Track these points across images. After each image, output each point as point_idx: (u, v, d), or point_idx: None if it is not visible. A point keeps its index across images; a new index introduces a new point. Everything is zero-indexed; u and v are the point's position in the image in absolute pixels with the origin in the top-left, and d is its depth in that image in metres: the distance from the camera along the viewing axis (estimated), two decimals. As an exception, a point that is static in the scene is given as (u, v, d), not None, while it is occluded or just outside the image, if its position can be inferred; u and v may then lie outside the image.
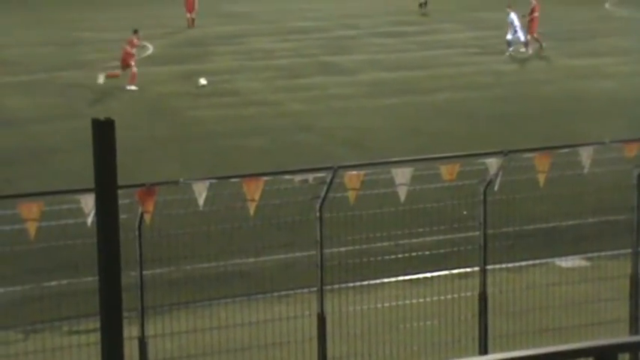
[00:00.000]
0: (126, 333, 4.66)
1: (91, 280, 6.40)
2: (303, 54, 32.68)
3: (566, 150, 11.02)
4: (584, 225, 14.07)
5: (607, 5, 45.15)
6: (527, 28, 32.06)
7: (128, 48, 27.29)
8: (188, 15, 38.79)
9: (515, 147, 12.89)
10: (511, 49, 31.09)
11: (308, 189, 10.33)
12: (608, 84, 26.32)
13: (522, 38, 31.25)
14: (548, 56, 31.65)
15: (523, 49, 31.24)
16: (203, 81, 26.06)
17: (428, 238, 13.06)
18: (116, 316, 3.98)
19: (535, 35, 31.96)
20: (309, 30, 38.13)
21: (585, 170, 10.76)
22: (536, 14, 32.21)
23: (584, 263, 13.21)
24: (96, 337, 5.11)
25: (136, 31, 27.84)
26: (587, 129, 20.30)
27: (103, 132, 4.11)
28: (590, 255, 13.34)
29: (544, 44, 31.65)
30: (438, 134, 20.79)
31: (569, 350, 3.24)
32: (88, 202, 8.90)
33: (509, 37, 31.28)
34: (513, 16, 31.34)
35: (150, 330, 9.88)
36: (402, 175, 10.30)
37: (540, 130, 20.72)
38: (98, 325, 4.41)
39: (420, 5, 44.16)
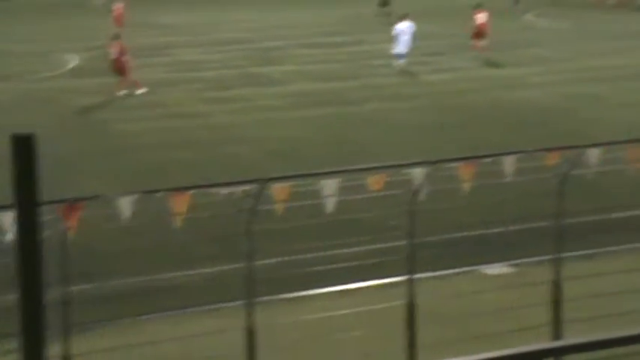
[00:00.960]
0: (49, 352, 4.57)
1: (12, 298, 6.27)
2: (231, 65, 32.62)
3: (489, 159, 11.19)
4: (508, 232, 14.30)
5: (528, 16, 46.03)
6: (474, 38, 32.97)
7: (118, 55, 27.25)
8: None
9: (442, 156, 13.09)
10: (400, 62, 31.06)
11: (236, 201, 10.30)
12: (531, 93, 26.80)
13: (401, 51, 30.97)
14: (472, 66, 32.13)
15: (398, 62, 31.02)
16: None
17: (356, 249, 13.15)
18: (38, 335, 3.92)
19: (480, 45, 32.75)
20: (238, 41, 38.08)
21: (508, 179, 10.95)
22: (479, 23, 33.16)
23: (509, 270, 13.43)
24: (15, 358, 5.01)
25: (117, 37, 28.09)
26: (511, 138, 20.65)
27: (23, 146, 4.03)
28: (515, 262, 13.56)
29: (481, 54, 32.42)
30: (365, 145, 20.93)
31: (495, 357, 3.29)
32: (6, 220, 8.74)
33: (398, 50, 31.11)
34: (405, 28, 31.29)
35: (75, 348, 9.72)
36: (329, 187, 10.36)
37: (466, 139, 21.00)
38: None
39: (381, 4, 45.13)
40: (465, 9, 36.77)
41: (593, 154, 11.36)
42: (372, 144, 21.01)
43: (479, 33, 33.76)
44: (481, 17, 34.08)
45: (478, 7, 34.47)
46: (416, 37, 31.37)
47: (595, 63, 31.59)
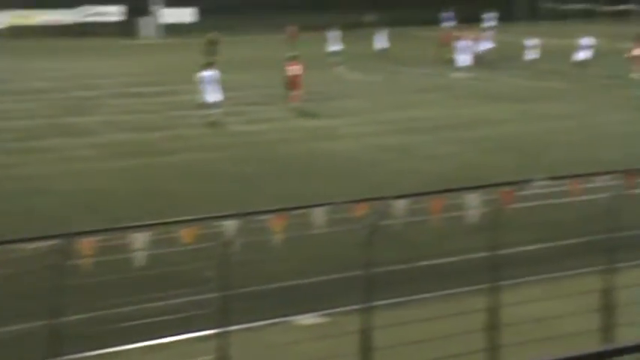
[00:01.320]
0: None
1: None
2: (39, 115, 31.70)
3: (299, 211, 11.31)
4: (321, 282, 14.46)
5: (339, 68, 47.29)
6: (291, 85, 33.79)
7: None
8: None
9: (254, 208, 13.12)
10: (207, 111, 31.10)
11: (42, 257, 9.93)
12: (344, 145, 27.41)
13: (207, 100, 31.08)
14: (287, 117, 32.61)
15: (206, 112, 31.11)
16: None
17: (168, 302, 12.92)
18: None
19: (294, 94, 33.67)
20: (47, 90, 37.10)
21: (319, 230, 11.10)
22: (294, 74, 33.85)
23: (321, 320, 13.55)
24: None
25: None
26: (324, 189, 21.00)
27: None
28: (327, 312, 13.70)
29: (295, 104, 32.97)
30: (178, 196, 20.73)
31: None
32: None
33: (205, 99, 31.13)
34: (208, 76, 31.34)
35: None
36: (139, 240, 10.17)
37: (278, 190, 21.19)
38: None
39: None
40: (282, 60, 37.41)
41: (400, 205, 11.70)
42: (186, 195, 20.84)
43: (292, 84, 34.44)
44: (294, 69, 34.80)
45: (292, 59, 35.19)
46: (229, 86, 31.58)
47: (405, 115, 32.73)
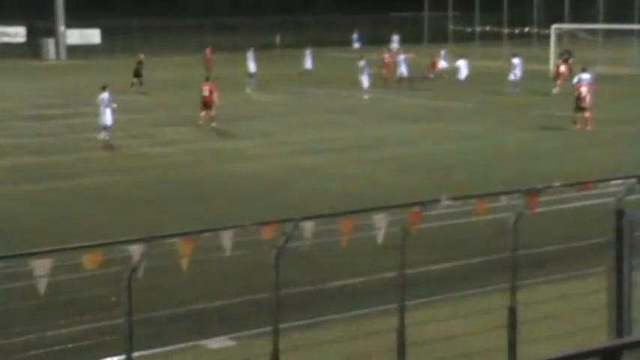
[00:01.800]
0: None
1: None
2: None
3: (207, 234, 11.22)
4: (229, 305, 14.36)
5: (247, 90, 47.29)
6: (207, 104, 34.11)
7: None
8: None
9: (163, 231, 12.97)
10: (104, 134, 30.77)
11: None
12: (254, 166, 27.36)
13: (105, 123, 30.82)
14: (196, 139, 32.43)
15: (103, 134, 30.84)
16: None
17: (73, 329, 12.65)
18: None
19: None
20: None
21: (227, 253, 11.02)
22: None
23: (231, 343, 13.45)
24: None
25: None
26: (233, 211, 20.90)
27: None
28: (236, 335, 13.61)
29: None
30: (84, 220, 20.37)
31: None
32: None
33: (103, 122, 30.83)
34: (104, 99, 31.04)
35: None
36: (41, 267, 9.93)
37: (188, 212, 21.01)
38: None
39: (133, 84, 45.63)
40: (194, 81, 37.30)
41: (309, 226, 11.71)
42: (90, 219, 20.48)
43: (205, 104, 34.46)
44: (207, 89, 34.85)
45: (207, 79, 35.33)
46: (141, 108, 31.27)
47: (315, 136, 32.86)
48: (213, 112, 34.54)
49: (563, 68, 46.25)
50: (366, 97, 44.09)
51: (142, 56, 50.86)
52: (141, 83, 46.67)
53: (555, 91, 44.58)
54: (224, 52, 64.67)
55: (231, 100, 43.01)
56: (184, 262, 10.73)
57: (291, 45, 75.09)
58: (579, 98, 33.32)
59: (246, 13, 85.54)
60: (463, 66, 49.34)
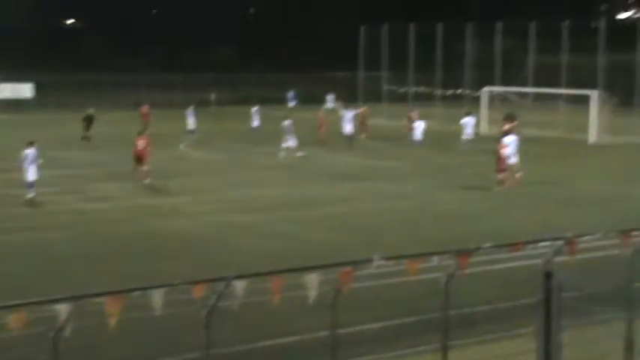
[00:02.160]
0: None
1: None
2: None
3: (137, 292, 11.06)
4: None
5: (182, 146, 47.15)
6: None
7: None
8: None
9: (92, 289, 12.71)
10: (30, 190, 30.05)
11: None
12: (184, 223, 27.16)
13: (31, 179, 30.15)
14: (125, 195, 32.14)
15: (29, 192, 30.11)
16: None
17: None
18: None
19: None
20: None
21: (157, 312, 10.87)
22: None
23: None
24: None
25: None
26: (165, 268, 20.69)
27: None
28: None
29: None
30: (8, 279, 19.92)
31: None
32: None
33: (30, 178, 30.16)
34: (29, 155, 30.55)
35: None
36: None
37: (118, 270, 20.71)
38: None
39: (84, 138, 46.05)
40: (129, 137, 37.07)
41: (240, 285, 11.63)
42: (19, 276, 20.06)
43: (137, 158, 34.35)
44: (140, 144, 34.75)
45: (140, 134, 35.27)
46: (74, 163, 30.91)
47: (248, 193, 32.80)
48: (146, 168, 34.34)
49: (506, 127, 47.35)
50: (303, 154, 44.24)
51: (91, 110, 51.35)
52: (88, 138, 47.44)
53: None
54: (159, 109, 64.48)
55: (167, 157, 42.84)
56: (112, 322, 10.55)
57: (227, 102, 75.27)
58: (500, 159, 33.96)
59: (181, 70, 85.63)
60: (420, 127, 50.08)
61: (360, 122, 53.31)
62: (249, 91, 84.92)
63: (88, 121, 50.22)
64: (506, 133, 46.66)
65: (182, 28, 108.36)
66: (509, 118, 48.97)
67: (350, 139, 48.04)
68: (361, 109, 55.19)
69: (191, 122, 51.27)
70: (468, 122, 49.07)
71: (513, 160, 34.80)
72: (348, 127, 48.40)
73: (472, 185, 34.71)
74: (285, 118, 46.72)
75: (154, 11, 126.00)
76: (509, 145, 34.90)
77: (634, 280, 14.37)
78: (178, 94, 74.46)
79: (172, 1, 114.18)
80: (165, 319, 11.86)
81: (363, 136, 52.45)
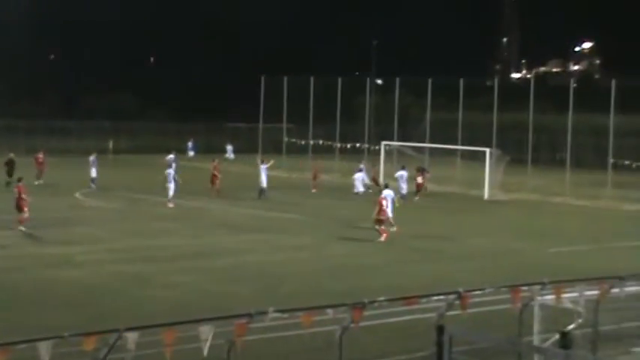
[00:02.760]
0: None
1: None
2: None
3: (24, 345, 10.79)
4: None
5: (77, 195, 46.35)
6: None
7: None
8: None
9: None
10: None
11: None
12: (77, 272, 26.63)
13: None
14: (19, 243, 31.39)
15: None
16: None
17: None
18: None
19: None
20: None
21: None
22: None
23: None
24: None
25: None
26: (56, 318, 20.22)
27: None
28: None
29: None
30: None
31: None
32: None
33: None
34: None
35: None
36: None
37: (5, 320, 20.14)
38: None
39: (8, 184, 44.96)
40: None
41: (132, 337, 11.48)
42: None
43: (19, 206, 34.13)
44: (16, 191, 34.67)
45: (19, 181, 35.60)
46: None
47: (144, 243, 32.40)
48: (25, 215, 34.07)
49: (420, 180, 50.20)
50: (199, 205, 44.00)
51: (12, 155, 51.39)
52: (8, 183, 46.51)
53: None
54: (55, 156, 63.34)
55: (61, 205, 42.08)
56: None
57: (124, 150, 74.49)
58: (380, 211, 34.35)
59: (78, 116, 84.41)
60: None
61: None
62: (148, 139, 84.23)
63: (10, 165, 49.67)
64: (419, 186, 48.76)
65: (80, 74, 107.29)
66: (420, 170, 50.56)
67: (263, 192, 47.71)
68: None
69: (93, 171, 50.33)
70: (358, 177, 50.65)
71: (389, 214, 35.51)
72: (262, 180, 47.94)
73: (367, 238, 35.05)
74: (169, 165, 46.22)
75: (52, 56, 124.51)
76: (387, 197, 35.55)
77: (522, 334, 14.72)
78: (74, 141, 73.34)
79: (72, 47, 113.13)
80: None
81: (314, 190, 51.90)
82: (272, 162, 52.04)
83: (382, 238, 33.71)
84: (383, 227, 34.20)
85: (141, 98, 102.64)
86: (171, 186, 43.31)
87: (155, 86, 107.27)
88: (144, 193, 47.88)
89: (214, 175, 49.57)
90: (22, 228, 33.50)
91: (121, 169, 64.02)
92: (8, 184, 46.83)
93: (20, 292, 23.69)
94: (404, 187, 48.68)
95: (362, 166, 53.56)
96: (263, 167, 48.78)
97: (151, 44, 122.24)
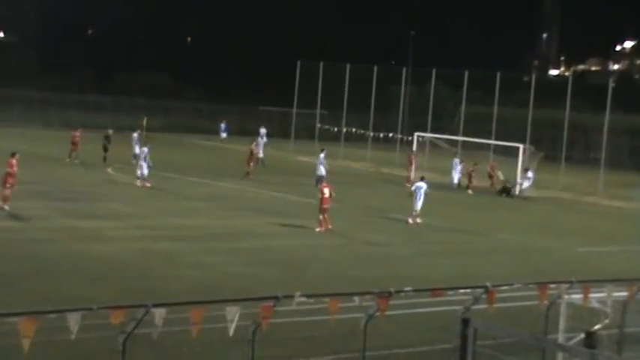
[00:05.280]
0: None
1: None
2: None
3: (54, 315, 10.91)
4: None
5: (110, 170, 46.64)
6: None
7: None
8: None
9: (8, 309, 12.50)
10: None
11: None
12: (106, 247, 26.83)
13: None
14: (49, 215, 31.66)
15: None
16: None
17: None
18: None
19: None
20: None
21: (72, 336, 10.74)
22: None
23: None
24: None
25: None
26: (84, 291, 20.41)
27: None
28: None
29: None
30: None
31: None
32: None
33: None
34: None
35: None
36: None
37: (36, 291, 20.38)
38: None
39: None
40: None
41: (159, 314, 11.56)
42: None
43: (4, 181, 32.10)
44: (12, 163, 32.65)
45: (13, 155, 33.05)
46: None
47: (175, 222, 32.55)
48: (8, 192, 32.13)
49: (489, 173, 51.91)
50: (230, 186, 44.13)
51: (109, 131, 51.79)
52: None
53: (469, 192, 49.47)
54: (88, 131, 63.78)
55: (94, 180, 42.38)
56: (26, 343, 10.39)
57: (158, 129, 74.85)
58: (322, 199, 33.17)
59: (113, 93, 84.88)
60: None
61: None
62: (182, 119, 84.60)
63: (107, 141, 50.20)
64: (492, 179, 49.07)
65: (115, 51, 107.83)
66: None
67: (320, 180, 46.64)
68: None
69: (136, 147, 49.82)
70: (457, 163, 51.90)
71: (417, 206, 35.62)
72: (322, 170, 46.92)
73: (396, 228, 35.01)
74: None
75: (90, 32, 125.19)
76: (418, 189, 35.71)
77: (548, 331, 14.67)
78: (108, 116, 73.72)
79: (108, 22, 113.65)
80: (82, 343, 11.73)
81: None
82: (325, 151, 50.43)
83: (319, 229, 32.63)
84: (323, 218, 32.99)
85: (177, 78, 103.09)
86: (144, 164, 41.85)
87: (191, 66, 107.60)
88: (174, 172, 48.13)
89: (250, 158, 49.69)
90: (6, 206, 31.73)
91: (153, 147, 64.26)
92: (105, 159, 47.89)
93: (49, 264, 23.91)
94: (455, 177, 49.54)
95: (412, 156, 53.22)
96: (321, 157, 47.79)
97: (189, 25, 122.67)
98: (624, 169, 61.26)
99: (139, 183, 41.49)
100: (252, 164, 49.59)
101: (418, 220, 35.56)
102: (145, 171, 41.84)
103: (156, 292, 20.50)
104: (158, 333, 11.57)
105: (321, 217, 32.95)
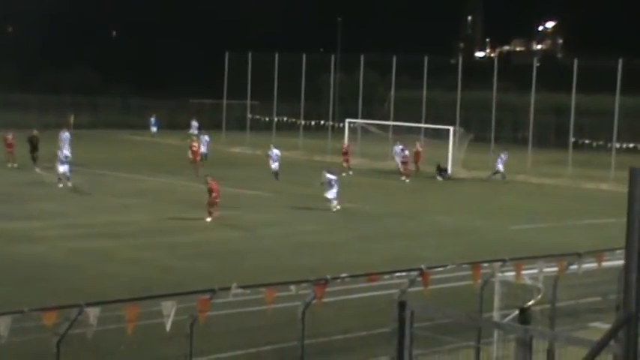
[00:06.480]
0: None
1: None
2: None
3: (-16, 320, 10.69)
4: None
5: (38, 170, 45.86)
6: None
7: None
8: None
9: None
10: None
11: None
12: (36, 248, 26.40)
13: None
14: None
15: None
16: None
17: None
18: None
19: None
20: None
21: (2, 340, 10.54)
22: None
23: None
24: None
25: None
26: (15, 294, 20.07)
27: None
28: None
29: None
30: None
31: None
32: None
33: None
34: None
35: None
36: None
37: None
38: None
39: None
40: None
41: (93, 313, 11.41)
42: None
43: None
44: None
45: None
46: None
47: (107, 219, 32.15)
48: None
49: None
50: (169, 181, 43.77)
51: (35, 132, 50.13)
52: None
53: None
54: (13, 130, 62.58)
55: (22, 180, 41.64)
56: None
57: (86, 126, 73.79)
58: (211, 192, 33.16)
59: (39, 91, 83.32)
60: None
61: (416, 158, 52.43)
62: (110, 115, 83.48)
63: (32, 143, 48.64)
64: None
65: (38, 48, 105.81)
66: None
67: (276, 175, 46.72)
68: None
69: (66, 148, 48.68)
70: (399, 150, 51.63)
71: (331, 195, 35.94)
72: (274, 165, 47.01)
73: (330, 216, 35.11)
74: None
75: (10, 29, 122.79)
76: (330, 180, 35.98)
77: (483, 310, 14.85)
78: (34, 115, 72.33)
79: (30, 19, 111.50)
80: (14, 347, 11.51)
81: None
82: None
83: (209, 219, 32.73)
84: (212, 209, 33.00)
85: (103, 73, 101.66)
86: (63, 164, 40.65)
87: (118, 61, 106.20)
88: (104, 168, 47.54)
89: (194, 151, 49.23)
90: None
91: (82, 144, 63.39)
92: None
93: (-21, 268, 23.44)
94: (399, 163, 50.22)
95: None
96: (276, 152, 47.67)
97: (113, 17, 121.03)
98: (550, 147, 62.34)
99: (60, 184, 40.54)
100: (198, 159, 49.11)
101: (338, 207, 35.92)
102: (65, 167, 40.54)
103: (90, 291, 20.22)
104: (93, 332, 11.42)
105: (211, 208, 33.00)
